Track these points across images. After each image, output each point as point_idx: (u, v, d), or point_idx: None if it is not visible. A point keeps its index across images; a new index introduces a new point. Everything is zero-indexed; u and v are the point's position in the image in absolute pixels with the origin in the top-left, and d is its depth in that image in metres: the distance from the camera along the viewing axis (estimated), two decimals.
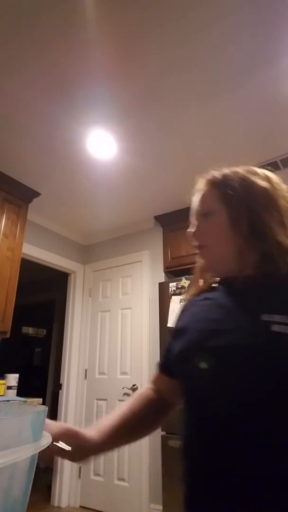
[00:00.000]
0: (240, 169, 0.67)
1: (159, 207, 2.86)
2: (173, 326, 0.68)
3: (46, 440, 0.28)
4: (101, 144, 2.06)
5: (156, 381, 0.74)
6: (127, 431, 0.65)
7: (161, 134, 1.99)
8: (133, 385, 2.69)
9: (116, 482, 2.56)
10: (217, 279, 0.70)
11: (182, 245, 2.75)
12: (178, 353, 0.60)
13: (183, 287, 2.39)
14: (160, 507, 2.13)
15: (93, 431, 0.61)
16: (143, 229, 3.12)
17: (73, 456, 0.58)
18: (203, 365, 0.53)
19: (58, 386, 3.08)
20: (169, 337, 0.70)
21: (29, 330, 6.04)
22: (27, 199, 2.55)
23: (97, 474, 2.68)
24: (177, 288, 2.41)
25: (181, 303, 2.36)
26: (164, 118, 1.87)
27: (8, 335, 2.25)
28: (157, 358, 2.48)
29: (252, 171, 0.66)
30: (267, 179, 0.65)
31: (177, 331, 0.65)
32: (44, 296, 4.65)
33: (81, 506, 2.67)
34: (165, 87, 1.67)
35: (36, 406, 0.32)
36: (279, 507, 0.43)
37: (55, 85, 1.66)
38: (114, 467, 2.60)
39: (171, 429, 2.13)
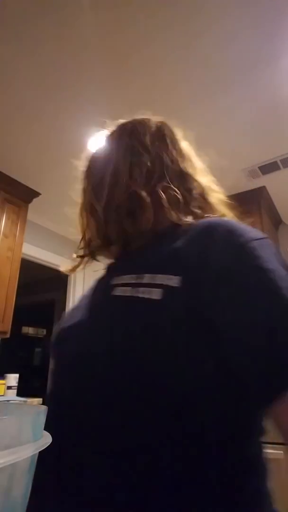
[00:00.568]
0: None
1: None
2: None
3: (46, 440, 0.27)
4: (101, 144, 2.06)
5: None
6: None
7: None
8: None
9: None
10: None
11: None
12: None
13: None
14: None
15: None
16: None
17: None
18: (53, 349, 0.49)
19: None
20: None
21: (29, 330, 6.04)
22: (27, 199, 2.55)
23: None
24: None
25: None
26: (164, 118, 1.86)
27: (8, 335, 2.25)
28: None
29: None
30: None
31: None
32: (44, 296, 4.65)
33: None
34: (165, 88, 1.67)
35: (36, 406, 0.31)
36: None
37: (55, 85, 1.65)
38: None
39: None
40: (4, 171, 2.33)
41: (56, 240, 3.15)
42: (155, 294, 0.37)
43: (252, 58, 1.51)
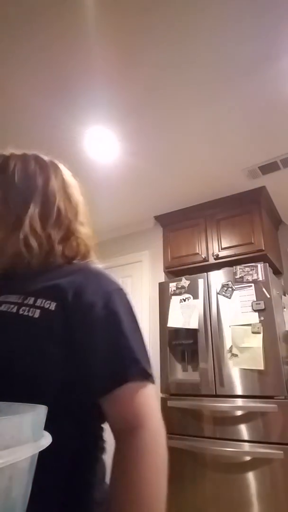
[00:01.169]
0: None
1: (159, 207, 2.86)
2: None
3: (46, 440, 0.27)
4: (101, 144, 2.06)
5: None
6: None
7: (161, 134, 1.99)
8: None
9: None
10: None
11: (182, 245, 2.75)
12: None
13: (183, 287, 2.39)
14: None
15: None
16: (143, 229, 3.12)
17: None
18: None
19: None
20: None
21: None
22: None
23: None
24: (177, 288, 2.41)
25: (181, 303, 2.36)
26: (164, 118, 1.87)
27: None
28: (156, 357, 2.48)
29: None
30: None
31: None
32: None
33: None
34: (165, 87, 1.67)
35: (36, 406, 0.31)
36: None
37: (55, 85, 1.65)
38: None
39: (171, 429, 2.13)
40: None
41: None
42: (35, 313, 0.50)
43: (252, 59, 1.51)
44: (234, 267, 2.23)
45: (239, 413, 1.92)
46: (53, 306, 0.51)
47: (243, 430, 1.88)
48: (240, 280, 2.17)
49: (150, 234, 3.06)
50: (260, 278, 2.10)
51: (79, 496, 0.50)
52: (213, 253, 2.56)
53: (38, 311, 0.51)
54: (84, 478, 0.51)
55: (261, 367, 1.91)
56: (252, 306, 2.06)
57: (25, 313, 0.50)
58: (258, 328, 2.00)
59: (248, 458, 1.82)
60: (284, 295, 2.47)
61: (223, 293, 2.21)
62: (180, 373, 2.31)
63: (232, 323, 2.10)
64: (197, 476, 1.94)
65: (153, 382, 0.53)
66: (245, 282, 2.15)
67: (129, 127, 1.93)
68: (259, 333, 1.98)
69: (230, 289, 2.19)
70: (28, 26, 1.38)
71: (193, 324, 2.23)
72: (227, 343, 2.08)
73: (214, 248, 2.58)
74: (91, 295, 0.54)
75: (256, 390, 1.92)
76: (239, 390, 1.97)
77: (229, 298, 2.18)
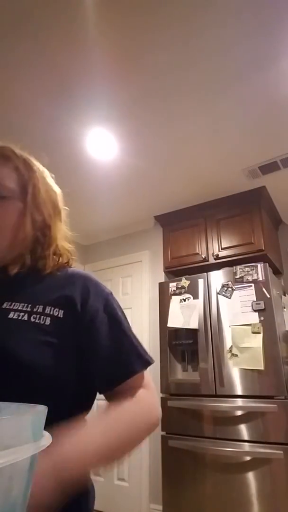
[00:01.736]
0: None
1: (159, 207, 2.86)
2: None
3: (46, 440, 0.27)
4: (101, 144, 2.06)
5: None
6: None
7: (161, 134, 1.99)
8: None
9: (116, 482, 2.56)
10: None
11: (182, 245, 2.76)
12: None
13: (183, 287, 2.39)
14: (160, 507, 2.13)
15: None
16: (143, 229, 3.12)
17: None
18: None
19: None
20: None
21: None
22: None
23: (96, 474, 2.68)
24: (177, 288, 2.41)
25: (181, 303, 2.36)
26: (164, 118, 1.87)
27: None
28: (156, 357, 2.48)
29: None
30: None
31: None
32: None
33: None
34: (165, 87, 1.67)
35: (36, 406, 0.31)
36: None
37: (55, 85, 1.65)
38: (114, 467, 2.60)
39: (171, 429, 2.13)
40: None
41: None
42: (46, 321, 0.54)
43: (252, 59, 1.51)
44: (234, 267, 2.23)
45: (239, 413, 1.92)
46: (61, 313, 0.56)
47: (243, 430, 1.88)
48: (240, 280, 2.17)
49: (150, 234, 3.06)
50: (260, 278, 2.10)
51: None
52: (213, 253, 2.56)
53: (48, 318, 0.54)
54: None
55: (261, 367, 1.91)
56: (252, 306, 2.06)
57: (37, 321, 0.54)
58: (258, 328, 2.00)
59: (248, 458, 1.82)
60: (284, 295, 2.47)
61: (223, 293, 2.21)
62: (180, 373, 2.31)
63: (232, 323, 2.10)
64: (197, 476, 1.94)
65: (151, 363, 0.61)
66: (245, 282, 2.15)
67: (129, 127, 1.93)
68: (259, 333, 1.98)
69: (230, 289, 2.19)
70: (27, 27, 1.38)
71: (193, 324, 2.23)
72: (227, 343, 2.08)
73: (214, 248, 2.58)
74: (95, 301, 0.59)
75: (256, 390, 1.92)
76: (239, 390, 1.97)
77: (229, 298, 2.18)
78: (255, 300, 2.07)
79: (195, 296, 2.30)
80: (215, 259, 2.55)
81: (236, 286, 2.17)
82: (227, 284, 2.21)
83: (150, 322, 2.76)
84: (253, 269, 2.15)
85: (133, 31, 1.40)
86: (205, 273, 2.34)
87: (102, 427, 0.51)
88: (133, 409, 0.55)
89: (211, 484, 1.89)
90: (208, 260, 2.58)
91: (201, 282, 2.31)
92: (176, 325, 2.30)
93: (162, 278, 2.79)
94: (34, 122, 1.90)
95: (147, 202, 2.78)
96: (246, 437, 1.86)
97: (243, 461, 1.83)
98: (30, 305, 0.55)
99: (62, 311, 0.56)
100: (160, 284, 2.55)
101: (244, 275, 2.16)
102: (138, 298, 2.92)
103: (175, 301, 2.39)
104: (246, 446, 1.84)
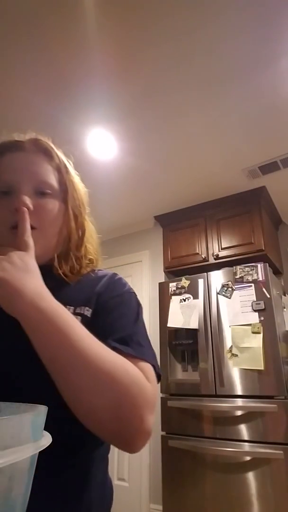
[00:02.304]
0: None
1: (159, 207, 2.86)
2: None
3: (46, 440, 0.27)
4: (101, 144, 2.06)
5: None
6: None
7: (161, 134, 1.99)
8: None
9: (116, 482, 2.56)
10: None
11: (182, 245, 2.76)
12: None
13: (183, 287, 2.39)
14: (160, 507, 2.13)
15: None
16: (143, 229, 3.12)
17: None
18: None
19: None
20: None
21: None
22: None
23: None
24: (177, 288, 2.41)
25: (181, 303, 2.36)
26: (164, 118, 1.87)
27: None
28: (157, 358, 2.48)
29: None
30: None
31: None
32: None
33: None
34: (165, 87, 1.67)
35: (36, 406, 0.31)
36: None
37: (55, 85, 1.65)
38: (114, 467, 2.60)
39: (171, 429, 2.13)
40: None
41: None
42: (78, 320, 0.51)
43: (252, 59, 1.51)
44: (234, 267, 2.23)
45: (239, 413, 1.92)
46: (89, 312, 0.56)
47: (243, 430, 1.87)
48: (240, 280, 2.17)
49: (150, 234, 3.06)
50: (260, 278, 2.10)
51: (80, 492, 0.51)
52: (213, 253, 2.56)
53: (79, 317, 0.54)
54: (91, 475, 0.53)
55: (261, 367, 1.91)
56: (252, 306, 2.06)
57: None
58: (258, 328, 2.00)
59: (248, 458, 1.82)
60: (284, 295, 2.47)
61: (223, 293, 2.21)
62: (180, 373, 2.31)
63: (232, 323, 2.10)
64: (197, 476, 1.94)
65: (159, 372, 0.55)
66: (245, 282, 2.15)
67: (129, 127, 1.93)
68: (259, 333, 1.98)
69: (230, 289, 2.19)
70: (26, 25, 1.38)
71: (193, 324, 2.23)
72: (227, 343, 2.08)
73: (214, 248, 2.58)
74: (112, 293, 0.59)
75: (256, 390, 1.92)
76: (239, 390, 1.97)
77: (229, 298, 2.18)
78: (255, 300, 2.07)
79: (195, 296, 2.30)
80: (215, 259, 2.55)
81: (236, 286, 2.17)
82: (227, 284, 2.21)
83: (150, 322, 2.76)
84: (253, 269, 2.15)
85: (133, 32, 1.40)
86: (205, 273, 2.34)
87: (89, 335, 0.45)
88: (128, 364, 0.46)
89: (211, 484, 1.89)
90: (208, 260, 2.58)
91: (201, 282, 2.31)
92: (176, 325, 2.30)
93: (162, 278, 2.79)
94: (34, 122, 1.90)
95: (147, 202, 2.78)
96: (246, 437, 1.85)
97: (243, 461, 1.83)
98: (72, 308, 0.55)
99: (91, 311, 0.56)
100: (160, 284, 2.54)
101: (244, 275, 2.16)
102: (138, 298, 2.92)
103: (175, 301, 2.38)
104: (246, 446, 1.84)
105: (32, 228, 0.53)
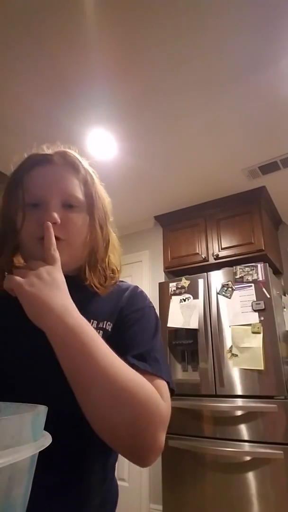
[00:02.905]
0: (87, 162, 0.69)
1: (159, 207, 2.86)
2: None
3: (46, 440, 0.27)
4: (101, 144, 2.06)
5: None
6: None
7: (161, 134, 1.99)
8: None
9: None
10: None
11: (182, 245, 2.75)
12: None
13: (183, 287, 2.39)
14: (160, 507, 2.13)
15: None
16: (143, 229, 3.12)
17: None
18: None
19: None
20: None
21: None
22: None
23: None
24: (177, 288, 2.41)
25: (181, 303, 2.36)
26: (164, 118, 1.87)
27: None
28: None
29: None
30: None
31: None
32: None
33: None
34: (165, 87, 1.67)
35: (36, 406, 0.31)
36: None
37: (54, 84, 1.65)
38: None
39: (171, 429, 2.12)
40: (3, 171, 2.33)
41: None
42: (99, 334, 0.52)
43: (252, 59, 1.51)
44: (234, 267, 2.23)
45: (239, 413, 1.92)
46: (109, 326, 0.58)
47: (243, 430, 1.87)
48: (240, 280, 2.17)
49: (150, 234, 3.06)
50: (260, 278, 2.10)
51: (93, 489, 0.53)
52: (213, 253, 2.56)
53: (101, 332, 0.56)
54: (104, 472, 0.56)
55: (261, 367, 1.91)
56: (252, 306, 2.06)
57: None
58: (258, 328, 2.00)
59: (248, 458, 1.82)
60: (284, 295, 2.47)
61: (223, 293, 2.21)
62: (180, 373, 2.31)
63: (232, 323, 2.10)
64: (197, 476, 1.94)
65: (173, 389, 0.56)
66: (245, 282, 2.15)
67: (129, 127, 1.93)
68: (259, 333, 1.98)
69: (230, 289, 2.19)
70: (26, 25, 1.38)
71: (193, 324, 2.23)
72: (227, 343, 2.08)
73: (214, 248, 2.58)
74: (132, 308, 0.61)
75: (256, 390, 1.92)
76: (239, 390, 1.97)
77: (229, 298, 2.18)
78: (255, 300, 2.07)
79: (195, 296, 2.30)
80: (215, 259, 2.55)
81: (236, 286, 2.17)
82: (227, 284, 2.21)
83: None
84: (253, 269, 2.15)
85: (133, 32, 1.40)
86: (205, 273, 2.34)
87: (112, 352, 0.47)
88: (145, 383, 0.48)
89: (211, 484, 1.89)
90: (208, 260, 2.58)
91: (201, 282, 2.31)
92: (176, 325, 2.30)
93: (162, 278, 2.79)
94: (33, 122, 1.90)
95: (147, 202, 2.78)
96: (246, 437, 1.85)
97: (243, 461, 1.83)
98: (95, 321, 0.57)
99: (111, 325, 0.58)
100: (160, 284, 2.54)
101: (244, 275, 2.16)
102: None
103: (175, 301, 2.39)
104: (246, 446, 1.84)
105: (59, 239, 0.55)
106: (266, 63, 1.53)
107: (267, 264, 2.15)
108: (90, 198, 0.63)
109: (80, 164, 0.65)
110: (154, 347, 0.56)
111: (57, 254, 0.53)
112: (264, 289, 2.06)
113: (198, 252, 2.65)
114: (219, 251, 2.55)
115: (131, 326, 0.58)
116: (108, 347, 0.47)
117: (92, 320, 0.56)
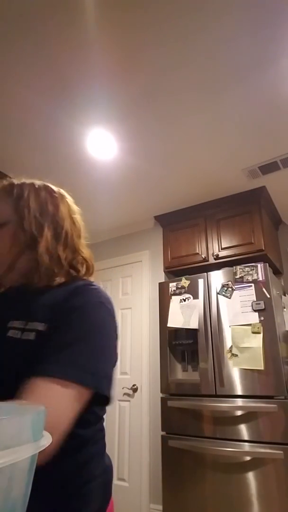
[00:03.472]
0: (38, 183, 0.75)
1: (159, 207, 2.86)
2: None
3: (46, 440, 0.27)
4: (101, 144, 2.06)
5: None
6: None
7: (161, 134, 1.99)
8: (133, 385, 2.69)
9: (116, 482, 2.56)
10: None
11: (182, 245, 2.76)
12: None
13: (183, 287, 2.39)
14: (160, 507, 2.13)
15: None
16: (143, 229, 3.12)
17: None
18: None
19: None
20: None
21: None
22: None
23: None
24: (177, 288, 2.41)
25: (181, 303, 2.36)
26: (164, 118, 1.87)
27: None
28: (156, 357, 2.48)
29: (48, 189, 0.76)
30: (61, 197, 0.76)
31: None
32: None
33: None
34: (165, 87, 1.67)
35: (36, 406, 0.31)
36: None
37: (55, 85, 1.65)
38: (114, 467, 2.60)
39: (171, 429, 2.13)
40: (3, 171, 2.33)
41: None
42: (31, 336, 0.57)
43: (252, 59, 1.51)
44: (234, 267, 2.23)
45: (239, 413, 1.92)
46: (43, 327, 0.58)
47: (243, 430, 1.88)
48: (240, 280, 2.17)
49: (150, 234, 3.06)
50: (260, 278, 2.10)
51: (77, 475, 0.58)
52: (213, 253, 2.56)
53: (33, 333, 0.58)
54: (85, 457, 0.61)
55: (261, 367, 1.91)
56: (252, 306, 2.06)
57: (25, 337, 0.58)
58: (258, 328, 2.00)
59: (248, 458, 1.82)
60: (284, 295, 2.47)
61: (223, 293, 2.21)
62: (180, 373, 2.31)
63: (232, 323, 2.10)
64: (197, 476, 1.94)
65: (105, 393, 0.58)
66: (245, 282, 2.15)
67: (129, 127, 1.93)
68: (259, 333, 1.98)
69: (230, 289, 2.19)
70: (26, 25, 1.38)
71: (193, 324, 2.23)
72: (227, 343, 2.08)
73: (214, 248, 2.58)
74: (69, 309, 0.60)
75: (256, 390, 1.92)
76: (239, 390, 1.97)
77: (229, 298, 2.18)
78: (255, 300, 2.07)
79: (195, 296, 2.30)
80: (215, 259, 2.55)
81: (236, 286, 2.17)
82: (227, 284, 2.21)
83: (150, 322, 2.76)
84: (253, 269, 2.15)
85: (133, 32, 1.40)
86: (205, 273, 2.34)
87: None
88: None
89: (211, 484, 1.89)
90: (208, 260, 2.58)
91: (201, 282, 2.31)
92: (176, 325, 2.30)
93: (162, 278, 2.79)
94: (34, 122, 1.90)
95: (147, 202, 2.78)
96: (246, 437, 1.86)
97: (243, 461, 1.83)
98: (24, 322, 0.59)
99: (46, 325, 0.58)
100: (160, 284, 2.54)
101: (244, 275, 2.16)
102: (138, 298, 2.92)
103: (175, 301, 2.39)
104: (246, 446, 1.84)
105: None
106: (266, 64, 1.53)
107: (267, 264, 2.15)
108: (21, 213, 0.68)
109: (15, 186, 0.71)
110: (80, 351, 0.56)
111: None
112: (264, 289, 2.06)
113: (198, 252, 2.65)
114: (219, 251, 2.55)
115: (59, 326, 0.58)
116: None
117: (29, 323, 0.59)
